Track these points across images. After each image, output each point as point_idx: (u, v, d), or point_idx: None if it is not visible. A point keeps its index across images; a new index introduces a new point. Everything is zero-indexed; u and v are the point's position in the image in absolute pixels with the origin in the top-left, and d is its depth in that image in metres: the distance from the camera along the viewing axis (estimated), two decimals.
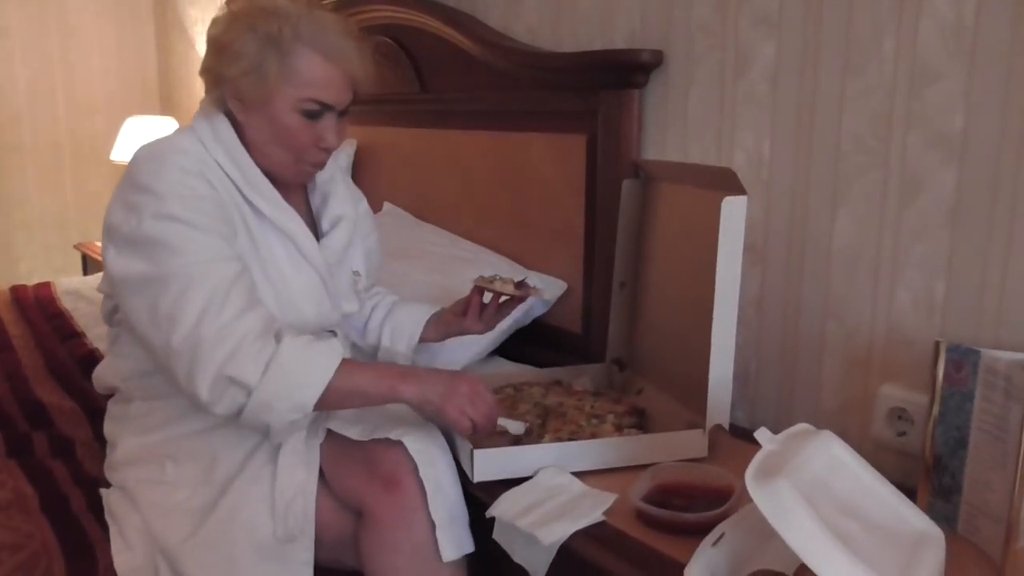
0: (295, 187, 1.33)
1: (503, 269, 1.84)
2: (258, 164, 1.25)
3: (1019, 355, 1.01)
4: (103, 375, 1.37)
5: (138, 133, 3.27)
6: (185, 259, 1.11)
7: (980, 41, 1.12)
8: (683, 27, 1.50)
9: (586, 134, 1.68)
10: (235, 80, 1.20)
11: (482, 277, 1.44)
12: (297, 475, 1.19)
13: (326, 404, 1.14)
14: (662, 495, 1.11)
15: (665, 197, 1.46)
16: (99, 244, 3.48)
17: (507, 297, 1.43)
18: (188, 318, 1.08)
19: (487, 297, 1.44)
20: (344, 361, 1.14)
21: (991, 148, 1.11)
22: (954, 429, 1.06)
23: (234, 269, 1.14)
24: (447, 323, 1.49)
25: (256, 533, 1.18)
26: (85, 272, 3.39)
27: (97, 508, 1.27)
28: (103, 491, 1.29)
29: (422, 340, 1.50)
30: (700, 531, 0.99)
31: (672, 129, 1.55)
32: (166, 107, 3.91)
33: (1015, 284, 1.10)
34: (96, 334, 2.06)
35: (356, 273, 1.41)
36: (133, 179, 1.16)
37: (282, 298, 1.24)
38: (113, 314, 1.30)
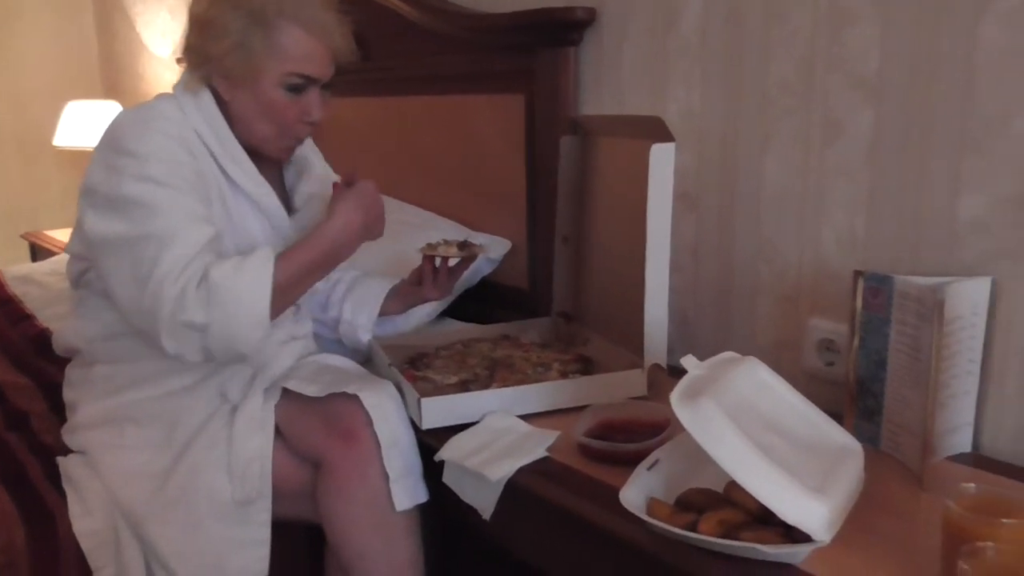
0: (271, 162, 1.35)
1: (450, 232, 1.87)
2: (240, 139, 1.27)
3: (929, 279, 1.07)
4: (65, 337, 1.38)
5: (80, 118, 3.23)
6: (164, 220, 1.13)
7: None
8: None
9: (524, 93, 1.71)
10: (221, 58, 1.21)
11: (428, 244, 1.47)
12: (253, 439, 1.22)
13: (281, 303, 1.18)
14: (604, 431, 1.16)
15: (602, 151, 1.50)
16: (49, 233, 3.43)
17: (456, 260, 1.47)
18: (157, 276, 1.11)
19: (440, 263, 1.48)
20: (277, 257, 1.17)
21: (904, 89, 1.17)
22: (874, 353, 1.12)
23: (208, 233, 1.17)
24: (405, 295, 1.52)
25: (215, 495, 1.21)
26: (34, 261, 3.35)
27: (54, 477, 1.29)
28: (60, 459, 1.31)
29: (384, 313, 1.52)
30: (638, 460, 1.03)
31: (608, 84, 1.59)
32: (109, 91, 3.85)
33: (928, 216, 1.16)
34: (47, 315, 2.05)
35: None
36: (115, 142, 1.18)
37: None
38: (82, 276, 1.30)
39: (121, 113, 1.23)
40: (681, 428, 0.91)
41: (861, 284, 1.12)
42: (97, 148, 1.20)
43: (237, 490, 1.20)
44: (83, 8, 3.85)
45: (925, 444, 1.03)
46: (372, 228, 1.29)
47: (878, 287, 1.10)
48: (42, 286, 2.40)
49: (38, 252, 3.33)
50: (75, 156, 3.61)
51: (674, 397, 0.91)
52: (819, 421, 1.02)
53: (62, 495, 1.25)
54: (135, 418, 1.27)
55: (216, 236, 1.18)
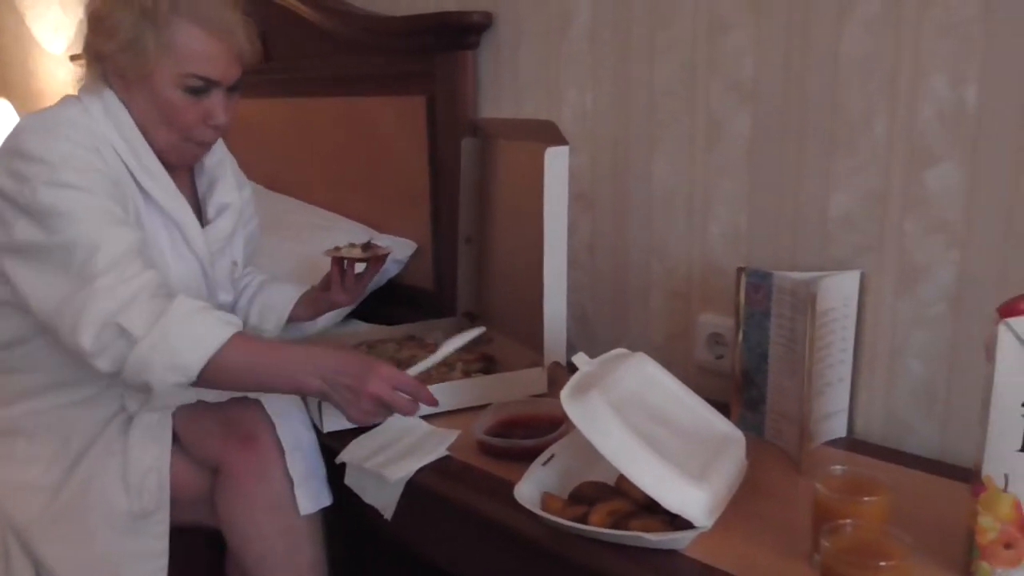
0: (182, 170, 1.30)
1: (356, 234, 1.87)
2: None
3: (805, 274, 1.13)
4: None
5: None
6: (87, 226, 1.08)
7: None
8: None
9: (425, 95, 1.73)
10: (113, 56, 1.17)
11: (336, 248, 1.47)
12: (149, 450, 1.19)
13: (213, 376, 1.09)
14: (504, 428, 1.18)
15: (501, 153, 1.53)
16: None
17: (363, 265, 1.47)
18: (97, 276, 1.06)
19: (348, 267, 1.47)
20: (238, 334, 1.11)
21: (777, 92, 1.23)
22: (756, 346, 1.18)
23: (135, 235, 1.13)
24: (315, 300, 1.50)
25: (110, 507, 1.18)
26: None
27: None
28: None
29: (294, 319, 1.50)
30: (536, 456, 1.06)
31: (505, 88, 1.62)
32: (0, 88, 3.68)
33: (804, 213, 1.23)
34: None
35: (235, 263, 1.40)
36: (19, 148, 1.11)
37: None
38: None
39: (25, 118, 1.17)
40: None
41: (744, 280, 1.18)
42: None
43: (134, 502, 1.18)
44: None
45: (803, 431, 1.09)
46: (330, 390, 1.14)
47: (759, 283, 1.16)
48: None
49: None
50: None
51: (564, 393, 0.94)
52: (703, 412, 1.07)
53: None
54: (27, 430, 1.23)
55: (140, 238, 1.14)
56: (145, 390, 1.11)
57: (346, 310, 1.74)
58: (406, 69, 1.76)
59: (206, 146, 1.28)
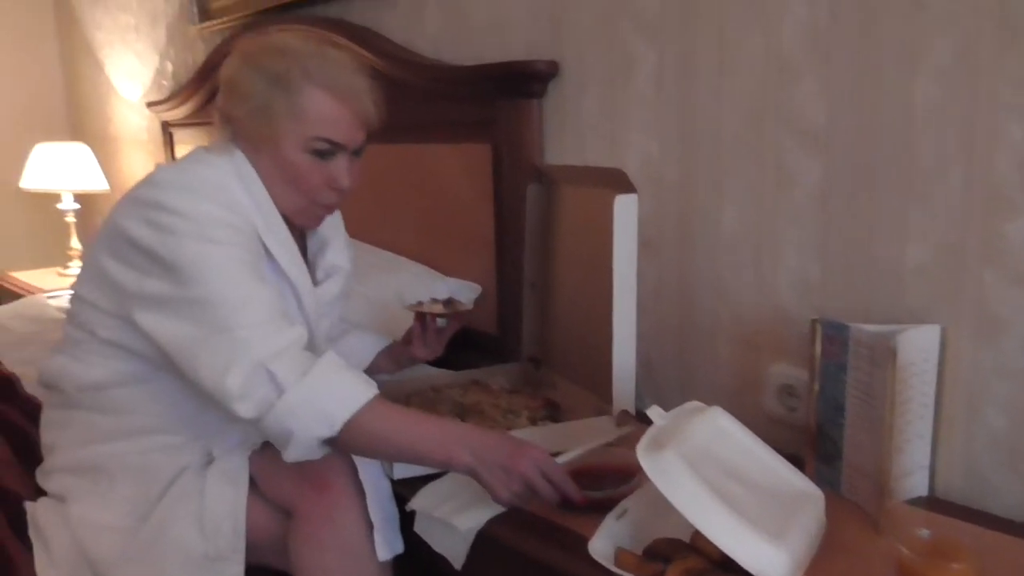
0: (295, 231, 1.32)
1: (422, 276, 1.90)
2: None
3: (881, 327, 1.11)
4: (53, 371, 1.30)
5: (48, 160, 3.22)
6: (235, 280, 1.10)
7: (834, 41, 1.22)
8: (574, 37, 1.59)
9: (490, 142, 1.75)
10: (242, 120, 1.20)
11: (418, 303, 1.49)
12: (226, 494, 1.21)
13: (356, 432, 1.08)
14: (573, 478, 1.18)
15: (566, 199, 1.54)
16: (13, 275, 3.39)
17: (443, 319, 1.48)
18: (248, 328, 1.08)
19: (429, 323, 1.48)
20: (379, 396, 1.10)
21: (849, 141, 1.22)
22: (832, 399, 1.16)
23: (276, 292, 1.16)
24: (397, 354, 1.52)
25: (186, 549, 1.19)
26: None
27: (18, 525, 1.26)
28: (28, 504, 1.28)
29: (375, 370, 1.51)
30: (607, 508, 1.06)
31: (570, 134, 1.63)
32: (76, 133, 3.84)
33: (878, 263, 1.21)
34: (11, 360, 2.03)
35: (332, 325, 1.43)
36: (160, 202, 1.13)
37: None
38: (86, 319, 1.24)
39: (161, 172, 1.19)
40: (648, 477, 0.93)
41: (819, 331, 1.16)
42: (130, 203, 1.17)
43: (209, 546, 1.19)
44: (47, 47, 3.85)
45: (881, 488, 1.06)
46: (480, 467, 1.07)
47: (834, 335, 1.14)
48: (6, 329, 2.39)
49: (2, 293, 3.30)
50: (40, 198, 3.59)
51: (639, 448, 0.94)
52: (780, 468, 1.05)
53: (26, 544, 1.23)
54: (112, 470, 1.25)
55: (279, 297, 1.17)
56: (281, 441, 1.09)
57: None
58: (471, 117, 1.79)
59: (329, 209, 1.30)
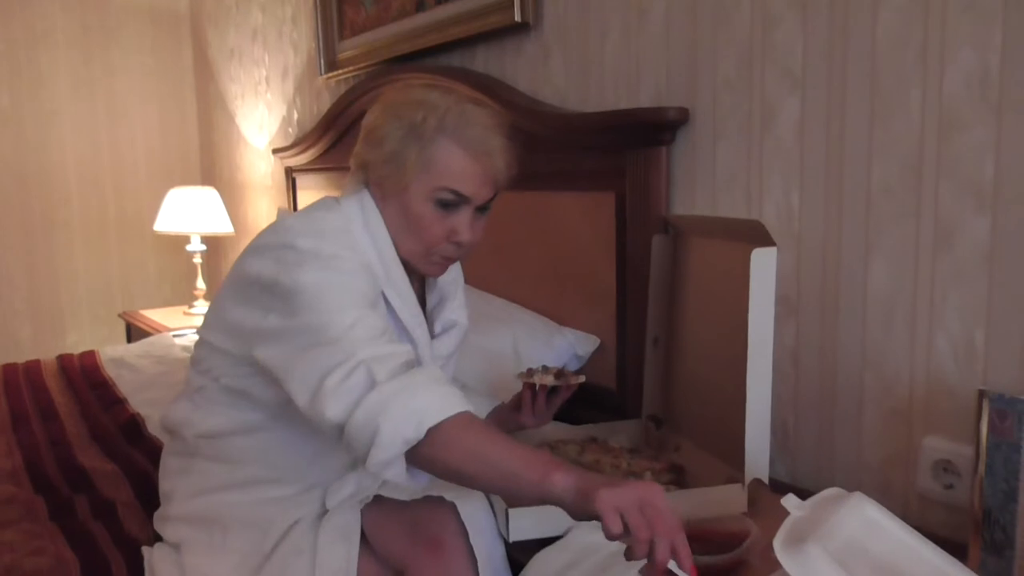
0: (414, 283, 1.31)
1: (537, 327, 1.84)
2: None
3: None
4: (176, 417, 1.31)
5: (181, 203, 3.37)
6: (349, 302, 1.10)
7: (1006, 90, 1.12)
8: (708, 84, 1.53)
9: (615, 191, 1.70)
10: (375, 166, 1.22)
11: (528, 371, 1.44)
12: (338, 550, 1.18)
13: (444, 442, 0.99)
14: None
15: (695, 251, 1.47)
16: (144, 312, 3.55)
17: (553, 387, 1.43)
18: (348, 341, 1.06)
19: (539, 390, 1.43)
20: (472, 414, 1.03)
21: (1022, 197, 1.10)
22: (1003, 481, 1.03)
23: (384, 322, 1.14)
24: (504, 418, 1.49)
25: None
26: (129, 339, 3.46)
27: (136, 569, 1.27)
28: (145, 550, 1.29)
29: None
30: (719, 573, 0.98)
31: (701, 184, 1.56)
32: (207, 178, 4.04)
33: None
34: (138, 400, 2.09)
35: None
36: (289, 242, 1.14)
37: None
38: (208, 365, 1.26)
39: (290, 219, 1.20)
40: (765, 541, 0.84)
41: (987, 405, 1.04)
42: (258, 248, 1.18)
43: None
44: (187, 100, 4.08)
45: None
46: (591, 491, 0.90)
47: (1006, 410, 1.02)
48: (134, 369, 2.47)
49: (133, 331, 3.45)
50: (171, 240, 3.77)
51: (777, 543, 0.85)
52: (940, 563, 0.92)
53: None
54: (225, 521, 1.24)
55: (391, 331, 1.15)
56: (365, 441, 1.01)
57: None
58: (597, 166, 1.74)
59: (448, 261, 1.29)
